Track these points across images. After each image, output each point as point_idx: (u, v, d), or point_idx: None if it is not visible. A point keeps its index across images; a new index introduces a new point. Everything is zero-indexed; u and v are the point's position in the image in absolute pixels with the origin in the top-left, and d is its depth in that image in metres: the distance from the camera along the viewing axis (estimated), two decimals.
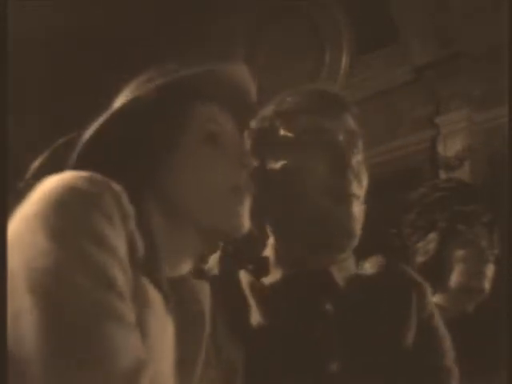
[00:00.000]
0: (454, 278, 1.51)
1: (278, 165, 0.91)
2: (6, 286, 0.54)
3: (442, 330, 0.93)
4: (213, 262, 0.93)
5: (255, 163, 0.78)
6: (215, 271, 0.93)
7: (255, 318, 0.87)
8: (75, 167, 0.73)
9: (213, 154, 0.76)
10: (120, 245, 0.59)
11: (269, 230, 0.96)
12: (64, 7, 3.03)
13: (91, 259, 0.54)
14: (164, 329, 0.65)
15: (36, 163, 1.21)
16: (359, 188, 0.90)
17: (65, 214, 0.56)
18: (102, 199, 0.59)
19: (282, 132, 0.93)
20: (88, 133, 0.74)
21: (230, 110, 0.80)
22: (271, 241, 0.96)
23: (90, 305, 0.52)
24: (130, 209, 0.62)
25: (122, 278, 0.57)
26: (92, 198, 0.58)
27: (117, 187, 0.62)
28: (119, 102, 0.78)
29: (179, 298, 0.68)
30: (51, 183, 0.60)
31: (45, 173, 1.14)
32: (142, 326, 0.59)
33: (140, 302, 0.60)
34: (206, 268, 0.88)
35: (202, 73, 0.76)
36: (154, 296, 0.64)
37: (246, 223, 0.77)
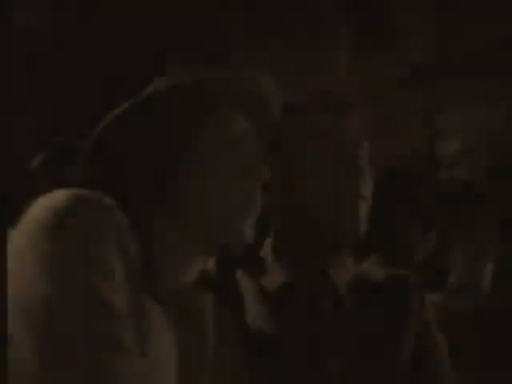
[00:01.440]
0: (454, 278, 1.51)
1: (281, 164, 0.90)
2: (5, 270, 0.52)
3: (440, 336, 0.93)
4: (210, 262, 0.92)
5: (269, 174, 0.76)
6: (212, 271, 0.93)
7: (252, 317, 0.87)
8: (84, 171, 0.71)
9: (229, 163, 0.73)
10: (114, 263, 0.56)
11: (269, 229, 0.96)
12: (64, 7, 3.03)
13: (84, 284, 0.52)
14: (166, 343, 0.63)
15: (35, 162, 1.21)
16: (366, 190, 0.90)
17: (53, 238, 0.54)
18: (93, 217, 0.57)
19: (284, 131, 0.92)
20: (96, 131, 0.71)
21: (251, 120, 0.78)
22: (270, 241, 0.96)
23: (85, 332, 0.50)
24: (124, 222, 0.60)
25: (118, 299, 0.55)
26: (82, 218, 0.56)
27: (109, 201, 0.59)
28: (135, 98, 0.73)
29: (181, 311, 0.67)
30: (40, 205, 0.57)
31: (44, 171, 1.15)
32: (142, 342, 0.57)
33: (139, 318, 0.59)
34: (209, 275, 0.87)
35: (227, 77, 0.73)
36: (154, 310, 0.62)
37: (250, 235, 0.74)
